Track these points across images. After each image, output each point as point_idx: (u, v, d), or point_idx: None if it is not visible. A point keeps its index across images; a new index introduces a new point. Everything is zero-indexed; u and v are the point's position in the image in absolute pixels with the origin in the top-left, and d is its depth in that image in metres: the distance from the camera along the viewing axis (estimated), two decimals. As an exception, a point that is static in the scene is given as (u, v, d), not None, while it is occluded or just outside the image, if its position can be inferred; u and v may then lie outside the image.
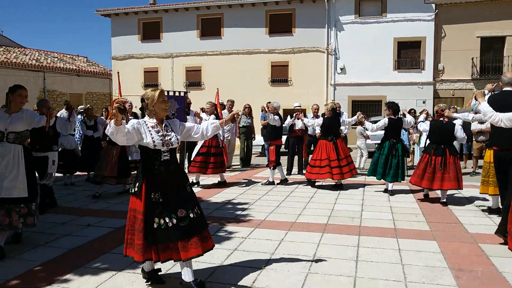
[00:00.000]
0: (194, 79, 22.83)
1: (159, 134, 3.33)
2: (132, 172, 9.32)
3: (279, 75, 21.62)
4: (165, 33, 23.19)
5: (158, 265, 3.60)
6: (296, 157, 9.94)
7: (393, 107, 7.41)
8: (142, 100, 3.43)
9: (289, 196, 7.30)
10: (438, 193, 6.87)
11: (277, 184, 8.42)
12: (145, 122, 3.38)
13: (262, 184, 8.47)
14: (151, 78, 23.50)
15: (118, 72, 11.10)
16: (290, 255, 4.24)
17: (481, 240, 4.61)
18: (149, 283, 3.54)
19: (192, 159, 8.47)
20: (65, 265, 3.99)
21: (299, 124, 9.52)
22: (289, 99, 19.68)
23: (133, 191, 3.33)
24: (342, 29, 20.60)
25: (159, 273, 3.62)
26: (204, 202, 6.89)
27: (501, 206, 5.38)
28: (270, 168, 8.48)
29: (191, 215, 3.30)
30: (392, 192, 7.39)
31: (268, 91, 21.11)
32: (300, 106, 10.20)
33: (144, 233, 3.25)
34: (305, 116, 9.45)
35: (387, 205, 6.56)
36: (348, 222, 5.55)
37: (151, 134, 3.30)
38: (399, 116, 7.46)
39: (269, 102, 8.61)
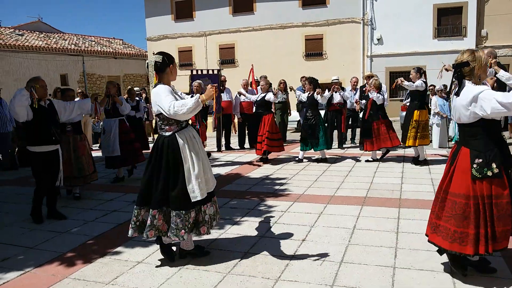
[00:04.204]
0: (227, 56, 22.84)
1: None
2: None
3: (314, 49, 21.24)
4: (197, 11, 23.18)
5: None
6: (335, 131, 9.92)
7: (314, 82, 8.03)
8: (465, 64, 2.93)
9: (327, 171, 7.31)
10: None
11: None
12: None
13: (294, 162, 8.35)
14: (185, 58, 23.70)
15: (153, 53, 11.23)
16: (330, 227, 4.28)
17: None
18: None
19: None
20: (116, 238, 4.22)
21: (337, 98, 9.47)
22: (324, 73, 19.40)
23: (490, 173, 2.81)
24: (378, -3, 19.89)
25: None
26: (242, 177, 7.03)
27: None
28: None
29: None
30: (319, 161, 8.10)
31: (302, 65, 20.83)
32: (338, 80, 10.06)
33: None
34: (342, 89, 9.36)
35: (427, 177, 6.46)
36: (387, 195, 5.52)
37: None
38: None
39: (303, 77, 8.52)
